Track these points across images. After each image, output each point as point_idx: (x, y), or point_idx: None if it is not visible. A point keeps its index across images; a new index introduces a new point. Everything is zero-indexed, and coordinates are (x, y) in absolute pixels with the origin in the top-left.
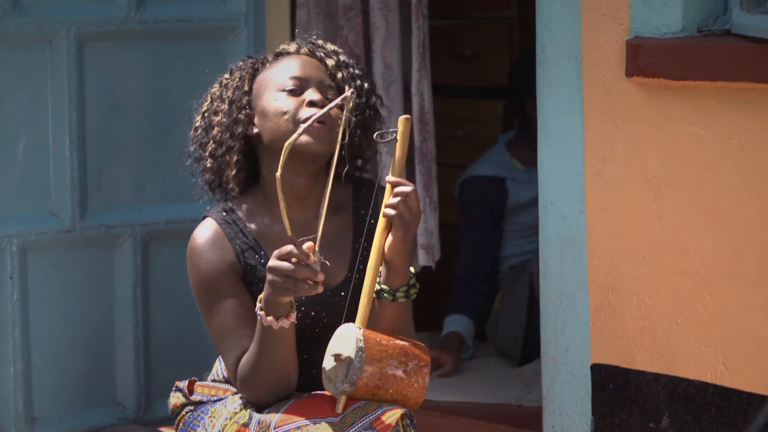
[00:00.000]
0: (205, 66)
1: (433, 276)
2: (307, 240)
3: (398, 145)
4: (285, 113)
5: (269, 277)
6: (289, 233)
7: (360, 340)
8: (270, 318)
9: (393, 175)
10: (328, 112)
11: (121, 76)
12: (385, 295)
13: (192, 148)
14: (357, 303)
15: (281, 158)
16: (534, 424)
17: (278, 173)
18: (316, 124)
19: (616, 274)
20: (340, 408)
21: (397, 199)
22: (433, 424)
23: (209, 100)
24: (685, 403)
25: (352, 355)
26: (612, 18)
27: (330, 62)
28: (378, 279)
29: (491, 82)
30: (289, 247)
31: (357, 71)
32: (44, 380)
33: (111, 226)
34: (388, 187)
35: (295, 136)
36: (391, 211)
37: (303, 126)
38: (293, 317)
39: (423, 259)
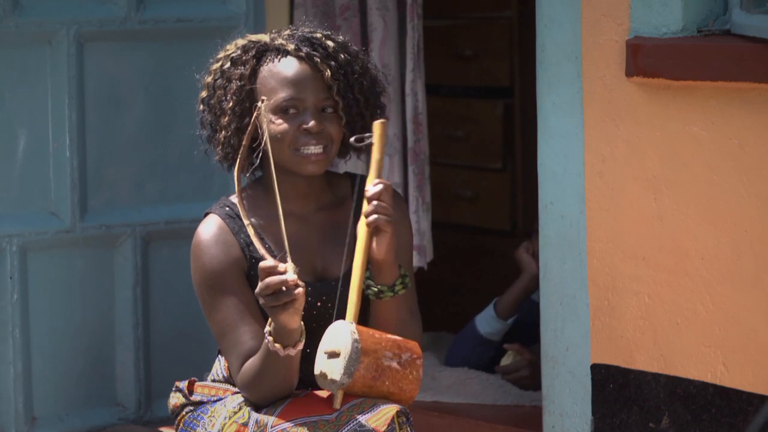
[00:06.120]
0: (206, 66)
1: (425, 277)
2: (278, 257)
3: (374, 148)
4: (282, 140)
5: (261, 303)
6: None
7: (354, 332)
8: (278, 345)
9: (371, 177)
10: (326, 133)
11: (122, 76)
12: (385, 293)
13: (202, 133)
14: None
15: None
16: (534, 424)
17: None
18: (316, 153)
19: (616, 274)
20: (337, 403)
21: (373, 204)
22: (433, 424)
23: (211, 83)
24: (685, 403)
25: (349, 347)
26: (612, 18)
27: (327, 73)
28: (371, 282)
29: (491, 82)
30: (263, 265)
31: (357, 67)
32: (44, 380)
33: (111, 226)
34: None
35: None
36: (371, 219)
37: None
38: (300, 345)
39: (415, 260)
